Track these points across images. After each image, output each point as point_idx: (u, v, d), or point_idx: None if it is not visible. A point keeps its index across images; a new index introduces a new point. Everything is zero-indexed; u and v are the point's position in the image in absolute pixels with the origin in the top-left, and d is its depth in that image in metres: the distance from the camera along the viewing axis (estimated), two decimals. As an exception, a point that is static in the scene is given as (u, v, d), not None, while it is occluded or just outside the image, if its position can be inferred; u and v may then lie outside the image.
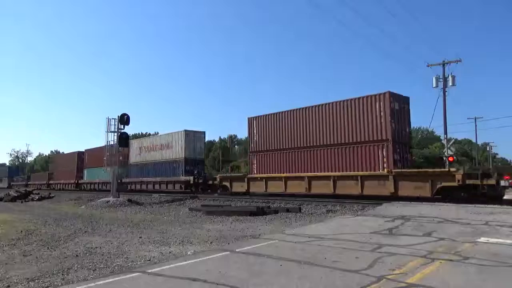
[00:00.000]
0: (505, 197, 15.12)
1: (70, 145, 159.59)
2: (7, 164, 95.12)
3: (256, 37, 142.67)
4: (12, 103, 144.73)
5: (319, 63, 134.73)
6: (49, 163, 67.46)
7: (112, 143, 25.84)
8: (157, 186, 31.36)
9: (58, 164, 51.88)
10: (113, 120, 25.29)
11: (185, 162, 29.04)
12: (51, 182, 51.76)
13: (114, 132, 25.38)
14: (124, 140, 25.55)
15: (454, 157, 20.69)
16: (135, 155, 34.85)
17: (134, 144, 34.98)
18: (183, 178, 28.60)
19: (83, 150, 46.11)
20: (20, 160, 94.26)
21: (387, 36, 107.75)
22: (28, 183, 61.02)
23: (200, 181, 27.76)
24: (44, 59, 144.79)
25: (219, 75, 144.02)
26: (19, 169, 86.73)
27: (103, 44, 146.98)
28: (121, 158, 27.86)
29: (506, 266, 5.39)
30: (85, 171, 42.37)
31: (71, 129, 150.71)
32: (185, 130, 29.42)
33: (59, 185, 49.28)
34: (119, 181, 27.24)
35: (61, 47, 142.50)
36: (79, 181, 43.73)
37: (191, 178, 27.63)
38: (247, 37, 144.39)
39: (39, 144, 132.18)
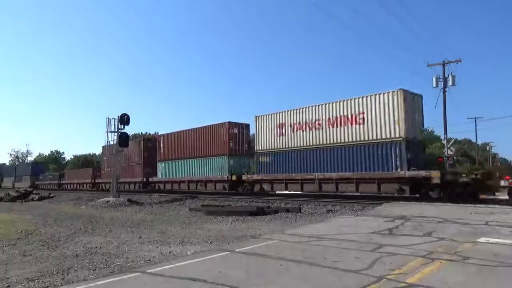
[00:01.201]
0: (503, 197, 15.10)
1: (70, 145, 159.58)
2: (7, 163, 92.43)
3: (255, 36, 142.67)
4: (12, 103, 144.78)
5: (319, 63, 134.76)
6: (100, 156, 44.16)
7: (112, 143, 25.86)
8: (351, 188, 18.53)
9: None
10: (113, 120, 25.33)
11: (406, 145, 16.57)
12: (99, 181, 41.00)
13: (114, 132, 25.39)
14: (124, 140, 25.54)
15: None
16: (271, 136, 22.33)
17: (265, 120, 22.78)
18: (410, 173, 16.26)
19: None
20: (20, 160, 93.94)
21: (387, 36, 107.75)
22: (62, 181, 52.40)
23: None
24: (44, 59, 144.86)
25: (219, 75, 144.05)
26: (44, 165, 72.95)
27: (103, 44, 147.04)
28: (231, 144, 25.09)
29: (506, 266, 5.39)
30: (161, 165, 31.47)
31: (71, 129, 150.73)
32: (402, 90, 16.92)
33: (124, 185, 34.61)
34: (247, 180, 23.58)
35: (61, 47, 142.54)
36: (149, 179, 32.64)
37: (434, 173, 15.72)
38: (247, 37, 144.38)
39: (39, 144, 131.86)
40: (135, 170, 33.96)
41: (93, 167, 47.36)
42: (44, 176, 59.45)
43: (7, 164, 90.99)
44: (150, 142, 34.29)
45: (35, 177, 60.03)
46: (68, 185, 50.48)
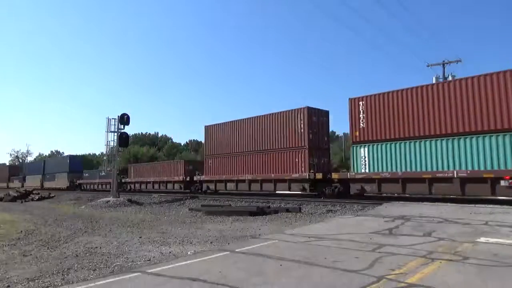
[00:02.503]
0: (503, 198, 15.07)
1: (70, 145, 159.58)
2: (7, 163, 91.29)
3: (255, 35, 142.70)
4: (12, 103, 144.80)
5: (318, 64, 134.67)
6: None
7: (112, 143, 25.89)
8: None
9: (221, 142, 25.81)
10: (113, 120, 25.34)
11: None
12: (202, 178, 27.40)
13: (114, 132, 25.41)
14: (124, 140, 25.56)
15: None
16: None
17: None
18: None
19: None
20: (20, 160, 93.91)
21: (387, 36, 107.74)
22: (125, 180, 38.45)
23: None
24: (44, 58, 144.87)
25: (219, 75, 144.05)
26: (82, 162, 52.87)
27: (104, 44, 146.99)
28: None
29: (506, 266, 5.39)
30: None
31: (71, 129, 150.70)
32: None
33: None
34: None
35: (61, 47, 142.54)
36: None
37: None
38: (247, 37, 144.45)
39: (39, 144, 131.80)
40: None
41: (182, 159, 37.86)
42: (92, 174, 44.31)
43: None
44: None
45: (75, 174, 45.75)
46: (138, 185, 36.86)
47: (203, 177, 27.03)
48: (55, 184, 48.57)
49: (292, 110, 21.35)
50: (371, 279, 4.83)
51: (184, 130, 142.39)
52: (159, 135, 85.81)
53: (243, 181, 23.61)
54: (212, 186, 26.15)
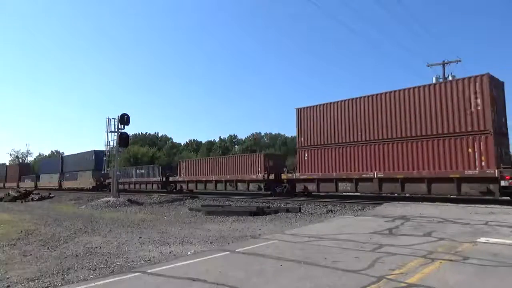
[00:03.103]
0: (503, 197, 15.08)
1: (70, 145, 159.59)
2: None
3: (255, 35, 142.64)
4: (12, 103, 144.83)
5: (317, 63, 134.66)
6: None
7: (112, 143, 25.89)
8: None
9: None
10: (113, 120, 25.35)
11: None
12: (297, 176, 21.53)
13: (114, 132, 25.41)
14: (124, 140, 25.55)
15: None
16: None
17: None
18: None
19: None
20: (20, 160, 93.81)
21: (386, 36, 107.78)
22: (174, 179, 32.10)
23: None
24: (44, 58, 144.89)
25: (219, 75, 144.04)
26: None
27: (103, 44, 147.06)
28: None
29: (506, 266, 5.39)
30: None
31: (71, 129, 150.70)
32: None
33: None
34: None
35: (61, 47, 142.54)
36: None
37: None
38: (247, 37, 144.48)
39: (39, 144, 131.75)
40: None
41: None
42: (124, 171, 38.58)
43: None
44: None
45: (102, 172, 35.37)
46: (192, 185, 29.90)
47: (297, 175, 21.13)
48: (77, 184, 42.72)
49: (460, 79, 15.82)
50: (371, 279, 4.83)
51: (184, 130, 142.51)
52: (159, 135, 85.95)
53: (369, 179, 17.83)
54: (312, 187, 20.56)
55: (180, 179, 31.54)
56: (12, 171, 63.14)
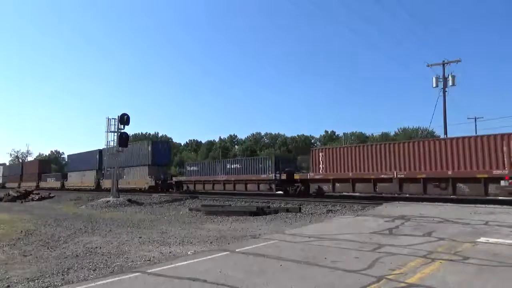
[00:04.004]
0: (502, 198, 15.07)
1: (70, 145, 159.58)
2: (7, 163, 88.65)
3: (257, 34, 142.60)
4: (12, 103, 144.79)
5: (317, 63, 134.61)
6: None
7: (112, 143, 25.86)
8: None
9: None
10: (113, 120, 25.31)
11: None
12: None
13: (114, 132, 25.40)
14: (124, 140, 25.54)
15: None
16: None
17: None
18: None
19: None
20: (20, 160, 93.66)
21: (386, 36, 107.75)
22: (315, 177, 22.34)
23: None
24: (43, 58, 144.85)
25: (220, 75, 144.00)
26: (170, 150, 38.87)
27: (103, 43, 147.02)
28: None
29: (506, 266, 5.39)
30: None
31: (71, 129, 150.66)
32: None
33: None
34: None
35: (61, 47, 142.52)
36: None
37: None
38: (247, 37, 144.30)
39: (39, 144, 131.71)
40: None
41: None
42: (204, 166, 29.36)
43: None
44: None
45: (161, 168, 31.53)
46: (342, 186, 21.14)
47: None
48: (125, 183, 32.56)
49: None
50: (371, 279, 4.83)
51: (184, 130, 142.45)
52: (159, 135, 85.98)
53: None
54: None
55: (317, 177, 20.68)
56: (31, 169, 53.19)
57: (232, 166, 26.59)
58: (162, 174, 31.25)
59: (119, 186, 27.71)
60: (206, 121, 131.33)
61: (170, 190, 29.92)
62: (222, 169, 27.08)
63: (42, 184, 47.35)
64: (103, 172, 35.08)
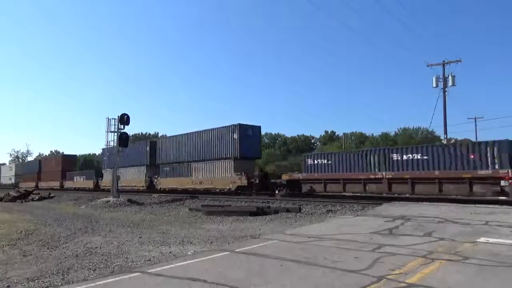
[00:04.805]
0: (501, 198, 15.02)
1: (70, 145, 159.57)
2: (7, 163, 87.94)
3: (256, 35, 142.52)
4: (12, 103, 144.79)
5: (317, 63, 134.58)
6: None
7: (112, 143, 25.86)
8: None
9: None
10: (113, 120, 25.31)
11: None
12: None
13: (114, 132, 25.40)
14: (124, 140, 25.54)
15: None
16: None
17: None
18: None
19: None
20: (20, 160, 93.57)
21: (386, 36, 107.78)
22: None
23: None
24: (43, 58, 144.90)
25: (220, 75, 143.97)
26: (260, 138, 28.62)
27: (103, 44, 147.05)
28: None
29: (506, 266, 5.39)
30: None
31: (71, 129, 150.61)
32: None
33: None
34: None
35: (61, 47, 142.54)
36: None
37: None
38: (247, 38, 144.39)
39: (39, 144, 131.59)
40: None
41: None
42: (342, 156, 20.68)
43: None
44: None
45: (249, 161, 24.98)
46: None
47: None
48: (190, 183, 27.01)
49: None
50: (371, 279, 4.83)
51: (184, 130, 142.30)
52: (159, 135, 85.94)
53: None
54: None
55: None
56: (52, 166, 45.77)
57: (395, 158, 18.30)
58: (259, 170, 25.44)
59: (182, 187, 25.60)
60: (206, 121, 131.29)
61: (278, 191, 22.89)
62: (381, 163, 18.77)
63: (68, 184, 40.70)
64: (165, 168, 28.94)
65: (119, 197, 24.13)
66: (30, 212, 18.97)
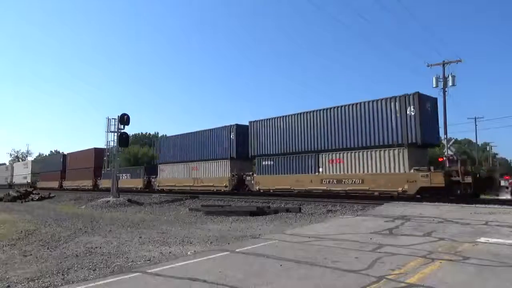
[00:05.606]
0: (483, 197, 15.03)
1: (69, 145, 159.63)
2: (7, 163, 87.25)
3: (257, 35, 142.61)
4: (12, 102, 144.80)
5: (317, 63, 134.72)
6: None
7: (112, 143, 25.84)
8: None
9: None
10: (113, 120, 25.30)
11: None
12: None
13: (114, 132, 25.39)
14: (124, 140, 25.52)
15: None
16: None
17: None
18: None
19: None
20: (20, 160, 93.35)
21: (387, 36, 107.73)
22: None
23: None
24: (43, 58, 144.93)
25: (220, 75, 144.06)
26: None
27: (103, 43, 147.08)
28: None
29: (506, 266, 5.39)
30: None
31: (71, 129, 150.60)
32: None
33: None
34: None
35: (61, 46, 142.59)
36: None
37: None
38: (248, 38, 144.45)
39: (39, 144, 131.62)
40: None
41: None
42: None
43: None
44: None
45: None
46: None
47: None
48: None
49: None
50: (371, 279, 4.83)
51: (184, 130, 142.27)
52: (159, 135, 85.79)
53: None
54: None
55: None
56: (81, 162, 38.58)
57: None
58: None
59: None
60: (206, 120, 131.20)
61: None
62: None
63: (104, 183, 32.54)
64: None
65: (119, 197, 24.14)
66: (30, 212, 18.95)
